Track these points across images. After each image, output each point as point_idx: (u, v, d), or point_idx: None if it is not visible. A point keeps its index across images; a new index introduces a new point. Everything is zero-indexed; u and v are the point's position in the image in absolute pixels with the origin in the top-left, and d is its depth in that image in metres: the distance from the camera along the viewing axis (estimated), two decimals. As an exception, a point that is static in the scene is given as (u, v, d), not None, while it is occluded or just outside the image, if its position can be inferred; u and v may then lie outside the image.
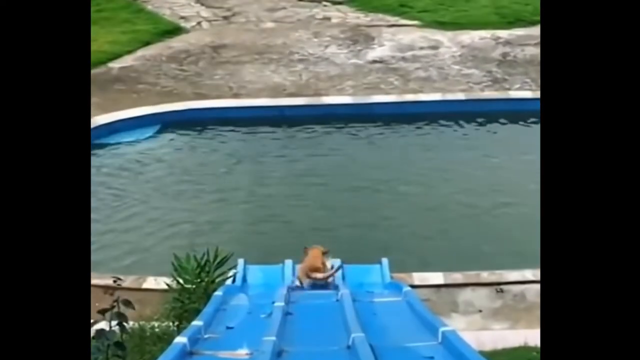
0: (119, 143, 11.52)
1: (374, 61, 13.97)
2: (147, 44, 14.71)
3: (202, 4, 17.01)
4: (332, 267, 6.56)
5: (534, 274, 7.94)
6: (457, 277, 8.13)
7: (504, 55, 14.21)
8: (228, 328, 4.97)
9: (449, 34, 15.22)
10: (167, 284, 6.69)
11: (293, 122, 12.12)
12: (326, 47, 14.62)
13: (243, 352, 4.23)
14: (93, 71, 12.93)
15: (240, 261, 7.04)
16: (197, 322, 4.77)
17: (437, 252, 9.01)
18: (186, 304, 6.26)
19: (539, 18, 15.15)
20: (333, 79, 13.25)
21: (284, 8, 16.79)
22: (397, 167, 10.86)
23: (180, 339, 4.26)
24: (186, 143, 11.76)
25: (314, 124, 12.07)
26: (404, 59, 14.05)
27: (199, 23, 15.96)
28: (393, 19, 16.09)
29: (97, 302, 5.21)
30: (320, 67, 13.71)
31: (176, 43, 14.85)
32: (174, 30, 15.41)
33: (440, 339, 4.28)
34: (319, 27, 15.70)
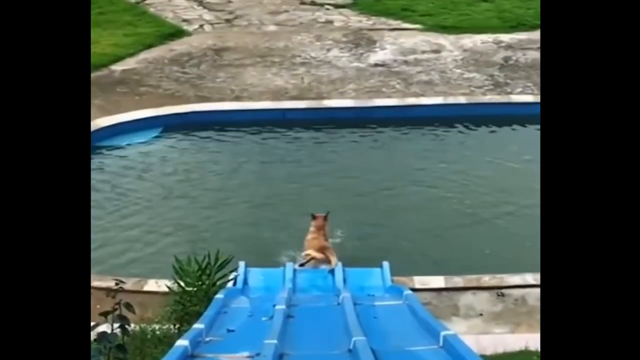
0: (121, 145, 11.53)
1: (376, 65, 13.98)
2: (149, 46, 14.73)
3: (205, 7, 17.03)
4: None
5: (535, 277, 7.93)
6: (458, 280, 8.13)
7: (506, 59, 14.22)
8: (229, 331, 4.98)
9: (451, 37, 15.23)
10: (168, 287, 6.69)
11: (295, 125, 12.12)
12: (328, 50, 14.64)
13: (244, 355, 4.23)
14: (95, 74, 12.97)
15: (241, 264, 7.05)
16: (198, 325, 4.78)
17: (440, 254, 9.02)
18: (187, 306, 6.27)
19: (540, 22, 15.21)
20: (335, 82, 13.26)
21: (287, 11, 16.81)
22: (398, 170, 10.85)
23: (182, 342, 4.27)
24: (188, 145, 11.76)
25: (316, 127, 12.08)
26: (406, 62, 14.07)
27: (201, 26, 15.98)
28: (395, 23, 16.10)
29: (99, 304, 5.24)
30: (322, 71, 13.72)
31: (178, 46, 14.86)
32: (177, 33, 15.43)
33: (441, 343, 4.29)
34: (321, 30, 15.72)
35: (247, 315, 5.58)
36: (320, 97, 12.77)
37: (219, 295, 5.80)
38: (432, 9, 16.74)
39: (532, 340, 6.71)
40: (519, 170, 10.80)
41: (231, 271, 6.72)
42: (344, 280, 6.84)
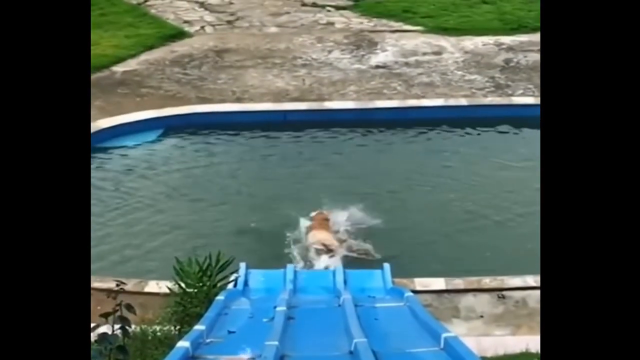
0: (122, 147, 11.54)
1: (377, 66, 13.99)
2: (150, 48, 14.74)
3: (206, 9, 17.05)
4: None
5: (536, 280, 7.94)
6: (459, 282, 8.13)
7: (507, 61, 14.23)
8: (230, 332, 4.97)
9: (452, 39, 15.24)
10: (169, 288, 6.69)
11: (296, 127, 12.13)
12: (329, 52, 14.65)
13: (245, 356, 4.23)
14: (96, 75, 12.99)
15: (242, 265, 7.05)
16: (199, 326, 4.78)
17: (442, 256, 9.04)
18: (188, 308, 6.26)
19: (542, 24, 15.21)
20: (336, 84, 13.27)
21: (288, 13, 16.83)
22: (399, 172, 10.86)
23: (183, 343, 4.27)
24: (189, 147, 11.76)
25: (317, 129, 12.08)
26: (407, 64, 14.07)
27: (202, 27, 16.00)
28: (396, 25, 16.12)
29: (100, 305, 5.24)
30: (323, 72, 13.73)
31: (180, 47, 14.88)
32: (178, 35, 15.45)
33: (442, 345, 4.28)
34: (323, 32, 15.73)
35: (248, 316, 5.57)
36: (321, 98, 12.77)
37: (220, 297, 5.80)
38: (433, 10, 16.76)
39: (532, 342, 6.71)
40: (520, 171, 10.81)
41: (232, 272, 6.72)
42: (345, 282, 6.82)
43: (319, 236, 8.85)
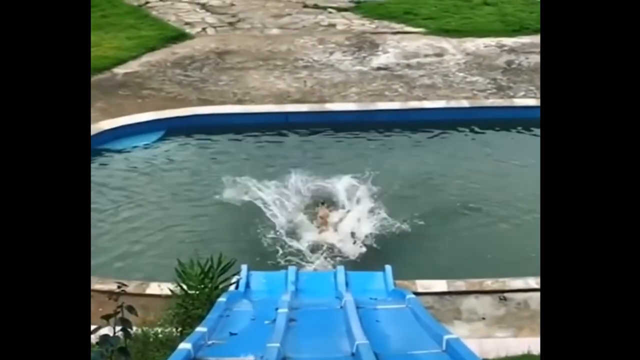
0: (124, 148, 11.54)
1: (379, 68, 13.99)
2: (152, 49, 14.74)
3: (208, 10, 17.06)
4: None
5: (537, 281, 7.92)
6: (460, 284, 8.12)
7: (509, 62, 14.23)
8: (232, 334, 4.97)
9: (454, 41, 15.25)
10: (171, 290, 6.69)
11: (297, 129, 12.13)
12: (331, 53, 14.65)
13: (247, 358, 4.23)
14: (98, 77, 13.00)
15: (244, 267, 7.05)
16: (200, 328, 4.78)
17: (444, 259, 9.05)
18: (190, 309, 6.26)
19: (543, 26, 15.22)
20: (337, 85, 13.27)
21: (289, 14, 16.83)
22: (401, 174, 10.84)
23: (185, 345, 4.27)
24: (190, 149, 11.77)
25: (318, 131, 12.07)
26: (408, 66, 14.07)
27: (204, 29, 16.00)
28: (398, 26, 16.12)
29: (101, 307, 5.23)
30: (324, 74, 13.73)
31: (181, 49, 14.88)
32: (179, 36, 15.45)
33: (444, 347, 4.28)
34: (324, 33, 15.73)
35: (250, 318, 5.57)
36: (323, 100, 12.77)
37: (222, 299, 5.79)
38: (434, 12, 16.76)
39: (534, 344, 6.70)
40: (521, 173, 10.82)
41: (233, 274, 6.72)
42: (347, 284, 6.83)
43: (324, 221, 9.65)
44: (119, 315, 4.69)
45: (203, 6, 17.30)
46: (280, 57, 14.46)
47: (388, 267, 7.07)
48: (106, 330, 4.61)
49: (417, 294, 6.90)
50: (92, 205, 8.50)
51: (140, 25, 15.86)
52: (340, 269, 7.15)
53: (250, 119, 12.28)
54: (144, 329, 6.24)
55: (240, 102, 12.72)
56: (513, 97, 12.89)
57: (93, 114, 10.80)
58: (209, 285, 6.40)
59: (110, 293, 4.97)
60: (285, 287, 6.76)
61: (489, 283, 8.13)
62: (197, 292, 6.37)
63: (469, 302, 7.92)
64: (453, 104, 12.63)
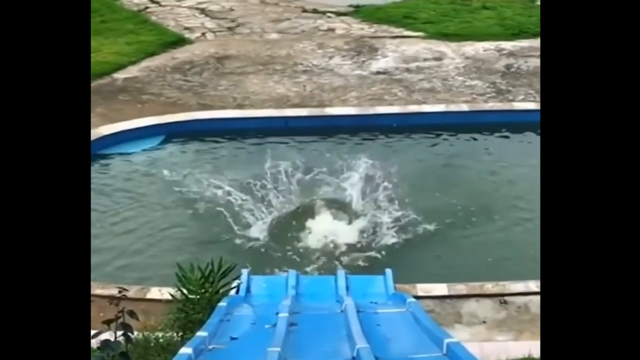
0: (124, 153, 11.55)
1: (378, 72, 14.01)
2: (151, 54, 14.77)
3: (207, 15, 17.09)
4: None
5: (538, 285, 7.92)
6: (461, 288, 8.12)
7: (508, 66, 14.25)
8: (232, 339, 4.97)
9: (453, 45, 15.27)
10: (171, 295, 6.69)
11: (297, 133, 12.14)
12: (330, 58, 14.67)
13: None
14: (98, 82, 13.01)
15: (244, 271, 7.05)
16: (201, 333, 4.78)
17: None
18: (190, 314, 6.26)
19: (542, 30, 15.25)
20: (337, 90, 13.28)
21: (288, 19, 16.86)
22: (401, 177, 10.85)
23: (185, 350, 4.27)
24: (190, 153, 11.78)
25: (318, 135, 12.09)
26: (407, 70, 14.09)
27: (203, 34, 16.02)
28: (397, 30, 16.15)
29: (102, 312, 5.24)
30: (324, 78, 13.74)
31: (181, 54, 14.90)
32: (179, 41, 15.47)
33: (444, 351, 4.28)
34: (323, 38, 15.76)
35: (250, 323, 5.58)
36: (322, 105, 12.78)
37: (222, 303, 5.79)
38: (433, 16, 16.79)
39: (535, 347, 6.70)
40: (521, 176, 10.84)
41: (234, 279, 6.72)
42: (347, 288, 6.82)
43: None
44: (120, 320, 4.70)
45: (202, 11, 17.33)
46: (280, 62, 14.48)
47: (388, 271, 7.07)
48: (107, 335, 4.62)
49: (417, 297, 6.90)
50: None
51: (140, 31, 15.89)
52: (341, 272, 7.14)
53: (250, 123, 12.30)
54: (145, 333, 6.24)
55: (240, 106, 12.74)
56: (512, 100, 12.90)
57: (93, 119, 10.81)
58: (210, 290, 6.40)
59: (111, 298, 4.98)
60: (285, 291, 6.76)
61: (490, 286, 8.13)
62: (198, 297, 6.36)
63: (470, 305, 7.92)
64: (453, 107, 12.65)
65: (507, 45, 15.22)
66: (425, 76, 13.81)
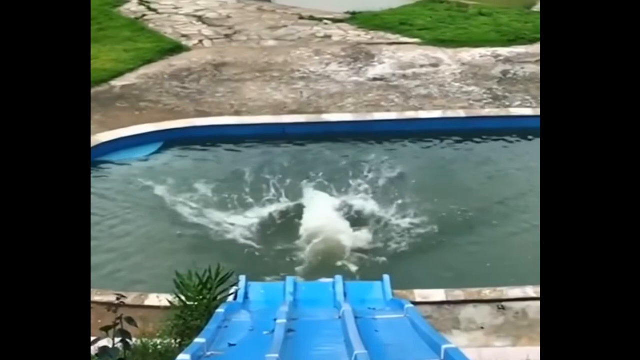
0: (121, 161, 11.55)
1: (375, 79, 14.03)
2: (149, 62, 14.78)
3: (204, 23, 17.11)
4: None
5: (535, 290, 7.94)
6: (459, 294, 8.13)
7: (504, 72, 14.28)
8: (230, 345, 4.97)
9: (449, 51, 15.30)
10: (169, 301, 6.69)
11: (294, 140, 12.16)
12: (327, 64, 14.69)
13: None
14: (95, 89, 13.02)
15: (242, 278, 7.06)
16: (199, 339, 4.78)
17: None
18: (188, 321, 6.27)
19: (538, 36, 15.29)
20: (334, 96, 13.30)
21: (285, 26, 16.88)
22: (400, 184, 10.87)
23: (184, 357, 4.28)
24: (188, 160, 11.79)
25: (315, 142, 12.10)
26: (404, 76, 14.12)
27: (200, 41, 16.04)
28: (394, 37, 16.18)
29: (100, 319, 5.24)
30: (321, 85, 13.76)
31: (178, 61, 14.92)
32: (176, 49, 15.49)
33: (442, 357, 4.29)
34: (320, 45, 15.79)
35: (248, 329, 5.58)
36: (320, 111, 12.80)
37: (220, 310, 5.80)
38: (430, 23, 16.82)
39: (533, 353, 6.71)
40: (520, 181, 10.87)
41: (232, 285, 6.72)
42: (345, 294, 6.83)
43: None
44: (118, 326, 4.70)
45: (199, 19, 17.35)
46: (277, 69, 14.50)
47: (386, 277, 7.08)
48: (105, 342, 4.62)
49: (415, 303, 6.91)
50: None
51: (137, 38, 15.91)
52: (339, 278, 7.15)
53: (248, 130, 12.32)
54: (143, 340, 6.24)
55: (237, 113, 12.75)
56: (509, 106, 12.92)
57: (91, 127, 10.81)
58: (208, 296, 6.41)
59: (109, 305, 4.99)
60: (283, 298, 6.76)
61: (487, 292, 8.14)
62: (196, 303, 6.37)
63: (468, 311, 7.93)
64: (449, 113, 12.67)
65: (504, 51, 15.26)
66: (422, 82, 13.83)
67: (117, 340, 4.70)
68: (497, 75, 14.17)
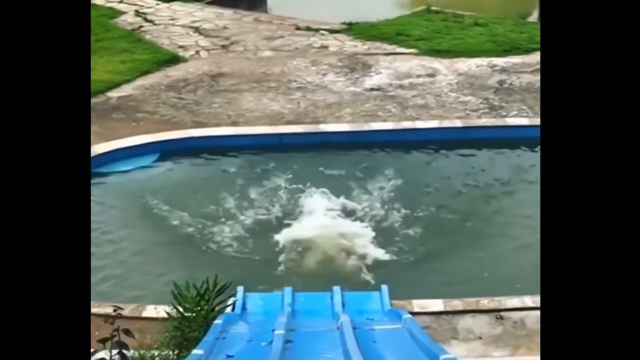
0: (118, 171, 11.55)
1: (372, 89, 14.04)
2: (145, 73, 14.78)
3: (201, 34, 17.13)
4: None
5: (534, 300, 7.94)
6: (457, 303, 8.12)
7: (501, 82, 14.29)
8: (228, 357, 4.97)
9: (446, 61, 15.32)
10: (167, 313, 6.68)
11: (291, 150, 12.16)
12: (324, 75, 14.71)
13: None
14: (92, 100, 12.99)
15: (240, 289, 7.05)
16: (197, 351, 4.78)
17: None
18: (186, 332, 6.26)
19: (534, 46, 15.34)
20: (331, 106, 13.31)
21: (282, 37, 16.90)
22: (399, 193, 10.87)
23: (182, 368, 4.27)
24: (185, 171, 11.79)
25: (312, 152, 12.10)
26: (401, 86, 14.13)
27: (197, 52, 16.06)
28: (390, 47, 16.19)
29: (97, 331, 5.23)
30: (318, 95, 13.77)
31: (175, 72, 14.92)
32: (173, 59, 15.49)
33: (441, 367, 4.29)
34: (317, 55, 15.80)
35: (246, 340, 5.57)
36: (317, 121, 12.81)
37: (218, 321, 5.80)
38: (426, 33, 16.85)
39: (531, 363, 6.71)
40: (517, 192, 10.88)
41: (230, 296, 6.71)
42: (343, 304, 6.83)
43: None
44: (116, 338, 4.69)
45: (196, 30, 17.37)
46: (274, 79, 14.51)
47: (384, 287, 7.08)
48: (103, 354, 4.61)
49: (413, 313, 6.90)
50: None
51: (134, 49, 15.91)
52: (337, 289, 7.15)
53: (245, 140, 12.31)
54: (141, 352, 6.22)
55: (234, 124, 12.75)
56: (505, 116, 12.94)
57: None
58: (205, 308, 6.40)
59: (106, 316, 4.98)
60: (281, 309, 6.76)
61: (485, 302, 8.13)
62: (194, 315, 6.36)
63: (466, 321, 7.92)
64: (446, 123, 12.68)
65: (500, 61, 15.28)
66: (419, 92, 13.85)
67: (114, 352, 4.69)
68: (493, 85, 14.18)
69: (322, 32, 17.19)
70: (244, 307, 6.82)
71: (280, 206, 10.51)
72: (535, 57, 14.78)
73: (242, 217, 10.21)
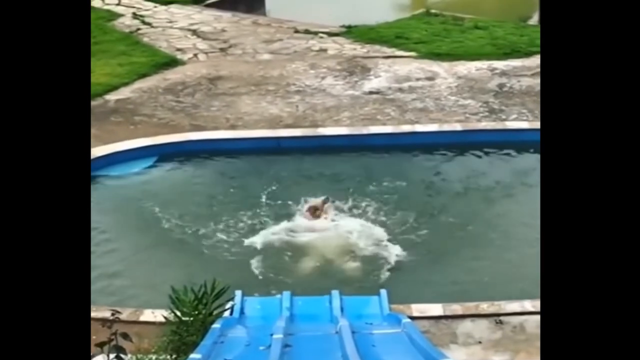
0: (116, 175, 11.52)
1: (371, 92, 14.01)
2: (143, 76, 14.75)
3: (199, 36, 17.10)
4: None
5: (533, 304, 7.91)
6: (456, 308, 8.09)
7: (500, 86, 14.27)
8: (227, 361, 4.93)
9: (445, 64, 15.30)
10: (165, 317, 6.64)
11: (290, 153, 12.13)
12: (323, 78, 14.68)
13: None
14: (90, 103, 12.97)
15: (238, 293, 7.01)
16: (195, 355, 4.74)
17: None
18: (184, 336, 6.22)
19: (534, 49, 15.32)
20: (330, 110, 13.28)
21: (281, 40, 16.88)
22: (397, 197, 10.84)
23: (179, 373, 4.23)
24: (183, 174, 11.75)
25: (311, 155, 12.07)
26: (400, 90, 14.10)
27: (195, 55, 16.03)
28: (389, 50, 16.17)
29: (95, 335, 5.18)
30: (316, 99, 13.75)
31: (173, 75, 14.90)
32: (171, 62, 15.47)
33: (441, 371, 4.25)
34: (316, 58, 15.78)
35: (244, 344, 5.54)
36: (315, 125, 12.78)
37: (216, 325, 5.76)
38: (425, 36, 16.82)
39: (531, 367, 6.68)
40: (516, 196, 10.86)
41: (228, 300, 6.68)
42: (342, 309, 6.80)
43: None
44: (113, 342, 4.65)
45: (194, 32, 17.35)
46: (272, 82, 14.49)
47: (383, 291, 7.05)
48: (100, 358, 4.57)
49: (412, 318, 6.87)
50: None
51: (132, 52, 15.89)
52: (335, 293, 7.12)
53: (243, 144, 12.28)
54: (139, 356, 6.19)
55: (232, 127, 12.73)
56: (505, 120, 12.91)
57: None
58: (203, 312, 6.36)
59: (104, 321, 4.94)
60: (280, 312, 6.72)
61: (485, 306, 8.10)
62: (191, 319, 6.32)
63: (465, 325, 7.88)
64: (446, 127, 12.65)
65: (499, 64, 15.26)
66: (418, 96, 13.82)
67: (112, 356, 4.65)
68: (493, 88, 14.16)
69: (321, 35, 17.17)
70: (242, 311, 6.79)
71: (277, 209, 10.47)
72: (536, 61, 14.76)
73: (238, 221, 10.17)
